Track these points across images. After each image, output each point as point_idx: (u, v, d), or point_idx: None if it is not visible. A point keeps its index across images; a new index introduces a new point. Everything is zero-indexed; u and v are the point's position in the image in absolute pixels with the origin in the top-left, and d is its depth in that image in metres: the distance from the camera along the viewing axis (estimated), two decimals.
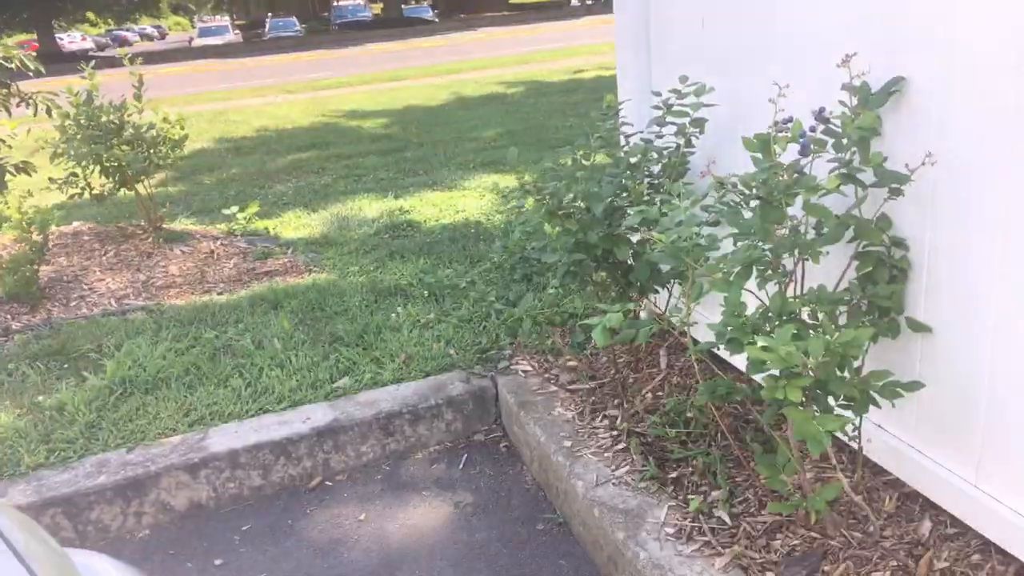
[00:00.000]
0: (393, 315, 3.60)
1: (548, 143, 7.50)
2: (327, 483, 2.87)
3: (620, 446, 2.53)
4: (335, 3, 44.19)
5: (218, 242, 4.88)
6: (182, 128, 4.91)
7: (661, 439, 2.48)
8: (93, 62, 4.78)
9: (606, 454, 2.51)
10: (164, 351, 3.38)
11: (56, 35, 39.72)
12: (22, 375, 3.29)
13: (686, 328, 2.01)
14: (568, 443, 2.59)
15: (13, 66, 5.02)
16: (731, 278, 1.78)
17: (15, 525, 1.41)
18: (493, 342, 3.31)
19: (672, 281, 2.57)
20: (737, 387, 2.01)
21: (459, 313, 3.55)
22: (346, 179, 6.80)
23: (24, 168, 5.08)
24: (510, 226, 3.04)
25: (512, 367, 3.13)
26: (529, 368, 3.11)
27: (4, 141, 5.02)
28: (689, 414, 2.49)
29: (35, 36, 38.54)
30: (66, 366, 3.36)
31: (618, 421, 2.65)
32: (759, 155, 1.92)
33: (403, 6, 40.79)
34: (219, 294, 4.17)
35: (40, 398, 3.07)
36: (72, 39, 47.22)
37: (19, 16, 36.48)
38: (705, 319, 2.67)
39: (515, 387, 3.00)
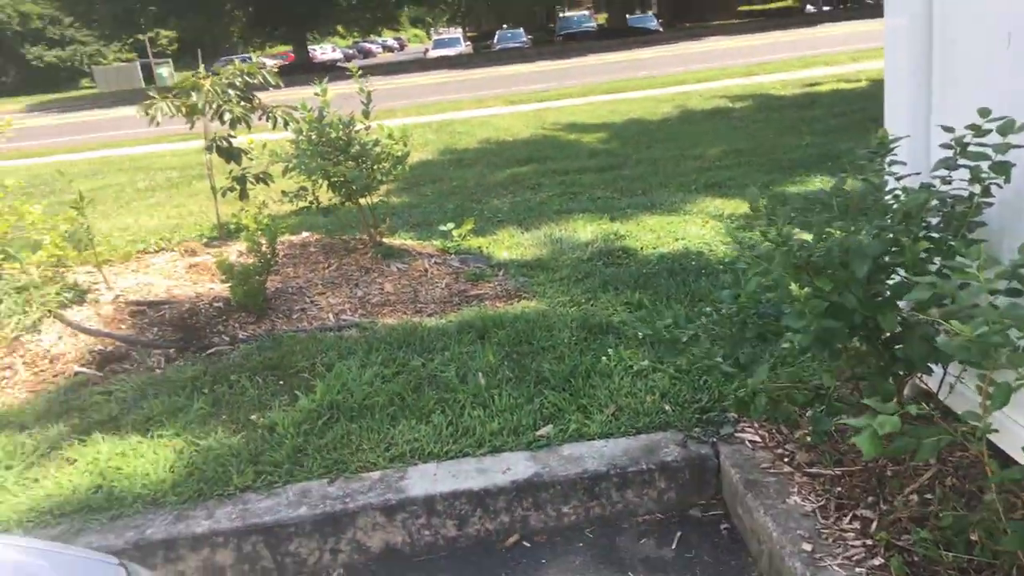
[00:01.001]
0: (604, 358, 3.33)
1: (780, 164, 6.91)
2: (524, 543, 2.65)
3: (876, 561, 2.08)
4: (561, 14, 44.86)
5: (432, 260, 4.87)
6: (405, 145, 4.95)
7: (933, 562, 2.01)
8: (327, 78, 4.94)
9: (858, 569, 2.07)
10: (372, 376, 3.33)
11: (309, 47, 43.65)
12: (242, 388, 3.38)
13: (985, 437, 1.56)
14: (808, 547, 2.18)
15: (257, 80, 5.34)
16: None
17: None
18: (715, 401, 2.94)
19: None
20: None
21: (677, 362, 3.20)
22: (561, 196, 6.64)
23: (263, 179, 5.38)
24: (740, 269, 2.66)
25: (737, 434, 2.75)
26: (758, 439, 2.71)
27: (247, 153, 5.35)
28: (973, 536, 1.99)
29: (291, 48, 42.58)
30: (281, 383, 3.42)
31: (873, 527, 2.19)
32: None
33: (627, 16, 40.55)
34: (429, 316, 4.12)
35: (254, 416, 3.11)
36: (323, 50, 51.74)
37: (279, 29, 40.47)
38: (1008, 418, 2.14)
39: (741, 460, 2.61)
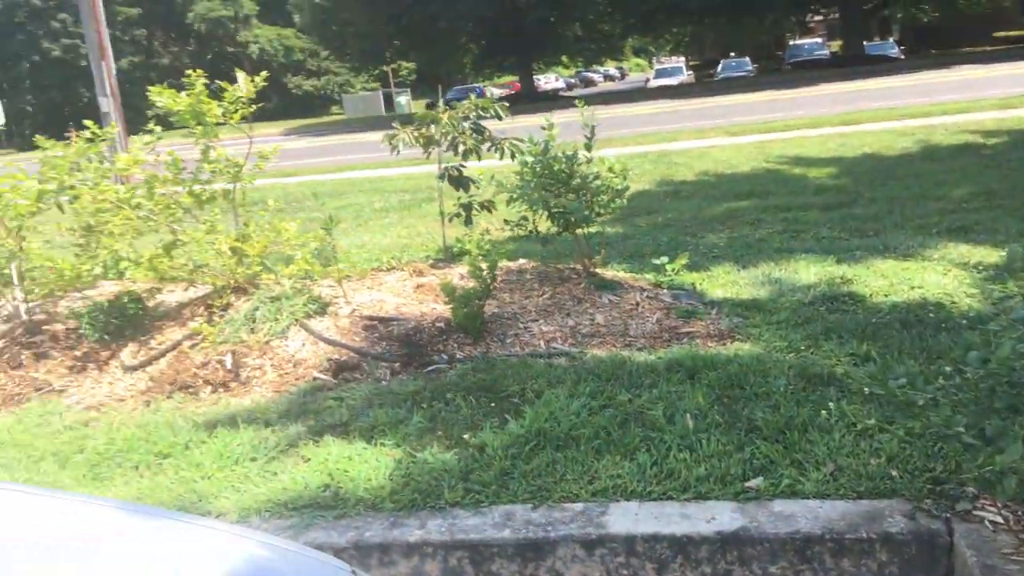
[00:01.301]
0: (823, 411, 3.14)
1: None
2: None
3: None
4: (791, 42, 43.15)
5: (644, 294, 4.85)
6: (624, 179, 4.99)
7: None
8: (553, 122, 5.06)
9: None
10: (579, 407, 3.38)
11: (534, 76, 45.29)
12: (456, 406, 3.56)
13: None
14: None
15: (490, 114, 5.62)
16: None
17: None
18: (951, 472, 2.68)
19: None
20: None
21: (908, 424, 2.96)
22: (783, 234, 6.37)
23: (487, 207, 5.65)
24: (991, 330, 2.41)
25: (976, 512, 2.49)
26: (1000, 520, 2.44)
27: (475, 182, 5.64)
28: None
29: (518, 77, 44.39)
30: (493, 405, 3.56)
31: None
32: None
33: (865, 43, 38.18)
34: (638, 350, 4.11)
35: (467, 435, 3.27)
36: (547, 80, 53.47)
37: (508, 61, 42.38)
38: None
39: (979, 543, 2.36)
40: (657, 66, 49.36)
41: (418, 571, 2.72)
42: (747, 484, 2.79)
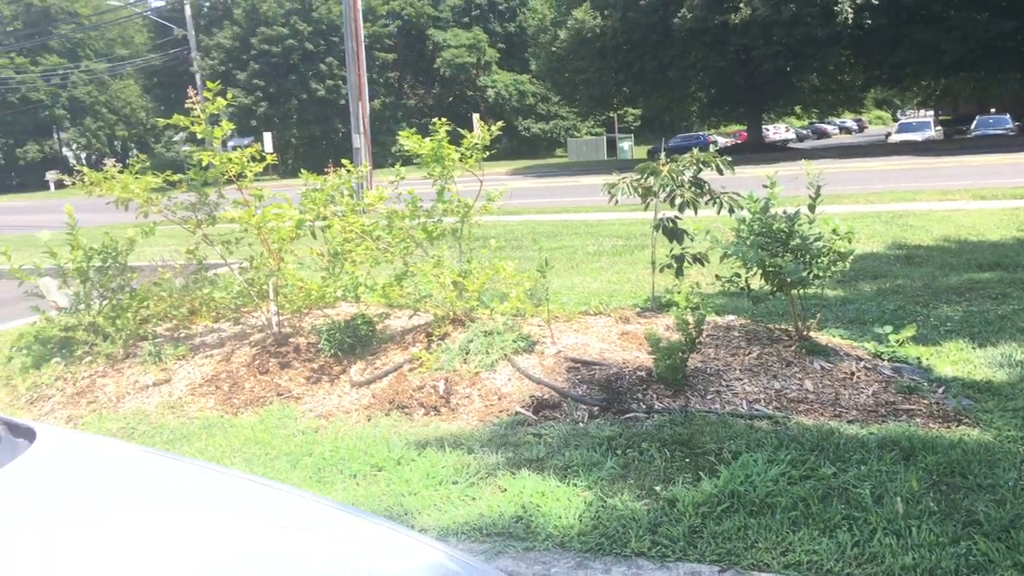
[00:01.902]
0: None
1: None
2: None
3: None
4: None
5: (861, 364, 4.61)
6: (849, 242, 4.79)
7: None
8: (775, 180, 4.99)
9: None
10: (777, 474, 3.29)
11: (764, 126, 44.03)
12: (650, 457, 3.59)
13: None
14: None
15: (711, 167, 5.63)
16: None
17: None
18: None
19: None
20: None
21: None
22: None
23: (700, 260, 5.64)
24: None
25: None
26: None
27: (689, 234, 5.65)
28: None
29: (745, 127, 43.39)
30: (687, 460, 3.55)
31: None
32: None
33: None
34: (848, 422, 3.92)
35: (658, 487, 3.29)
36: (776, 130, 51.76)
37: (736, 109, 41.54)
38: None
39: None
40: (901, 119, 46.19)
41: None
42: None
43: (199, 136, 5.70)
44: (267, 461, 3.98)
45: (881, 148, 31.40)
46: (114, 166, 5.45)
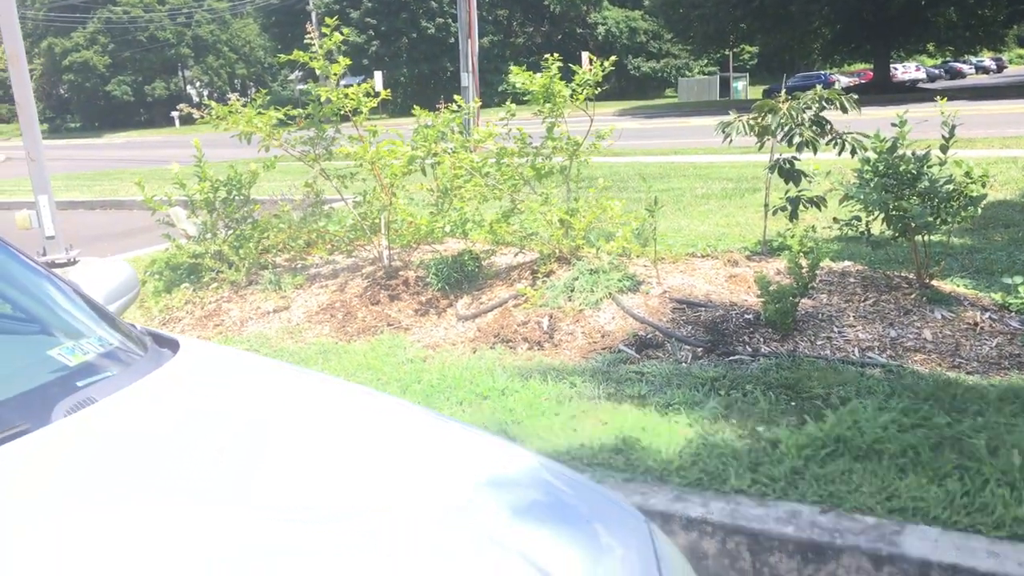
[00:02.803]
0: None
1: None
2: None
3: None
4: None
5: (986, 314, 4.39)
6: (983, 186, 4.52)
7: None
8: (907, 109, 4.75)
9: None
10: (887, 421, 3.22)
11: (891, 65, 41.32)
12: (754, 399, 3.57)
13: None
14: None
15: (834, 106, 5.38)
16: None
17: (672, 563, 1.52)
18: None
19: None
20: None
21: None
22: None
23: (817, 203, 5.45)
24: None
25: None
26: None
27: (807, 176, 5.46)
28: None
29: (871, 65, 40.87)
30: (792, 403, 3.51)
31: None
32: None
33: None
34: (968, 373, 3.76)
35: (761, 428, 3.28)
36: (905, 69, 48.48)
37: (862, 47, 39.13)
38: None
39: None
40: None
41: (696, 546, 2.83)
42: None
43: (317, 72, 5.87)
44: (378, 386, 4.18)
45: (1022, 90, 29.00)
46: (237, 99, 5.70)
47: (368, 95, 5.65)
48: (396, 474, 1.56)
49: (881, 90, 33.64)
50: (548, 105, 5.37)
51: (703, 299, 4.71)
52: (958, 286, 4.97)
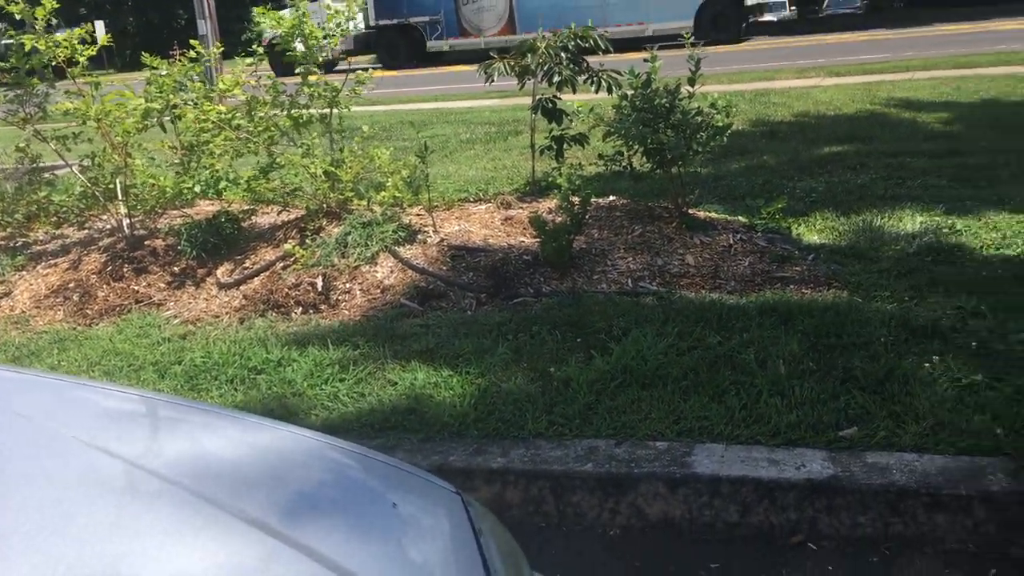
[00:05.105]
0: (926, 364, 3.01)
1: None
2: (810, 545, 2.51)
3: None
4: None
5: (737, 236, 4.71)
6: (727, 116, 4.80)
7: None
8: (657, 45, 4.92)
9: None
10: (666, 347, 3.33)
11: None
12: (542, 339, 3.55)
13: None
14: None
15: (588, 44, 5.46)
16: None
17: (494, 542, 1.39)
18: None
19: None
20: None
21: (1018, 381, 2.81)
22: (887, 181, 6.04)
23: (580, 140, 5.53)
24: None
25: None
26: None
27: (568, 114, 5.52)
28: None
29: None
30: (579, 340, 3.53)
31: None
32: None
33: None
34: (729, 292, 4.01)
35: (552, 368, 3.26)
36: None
37: None
38: None
39: None
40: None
41: (500, 497, 2.76)
42: (840, 433, 2.71)
43: (17, 17, 4.99)
44: (131, 373, 3.68)
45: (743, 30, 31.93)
46: None
47: (84, 42, 4.89)
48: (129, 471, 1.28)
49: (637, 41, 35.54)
50: (301, 49, 4.94)
51: (481, 244, 4.63)
52: (712, 212, 5.30)
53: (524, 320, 3.76)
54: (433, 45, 22.77)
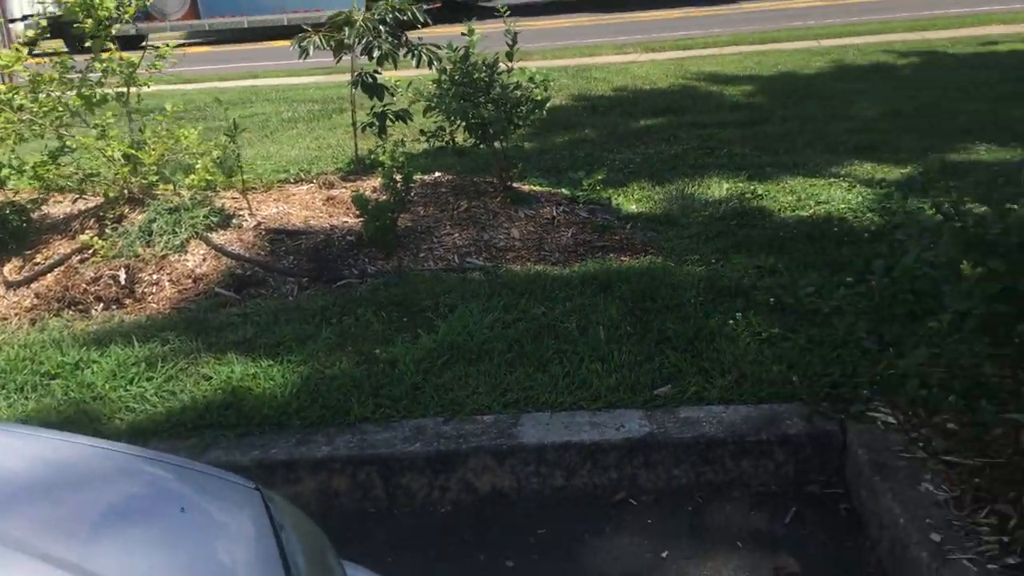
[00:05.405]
0: (731, 321, 3.20)
1: (942, 130, 6.36)
2: (631, 500, 2.61)
3: (1011, 560, 1.92)
4: None
5: (560, 208, 4.81)
6: (546, 89, 4.86)
7: None
8: (474, 17, 4.90)
9: (989, 566, 1.92)
10: (492, 321, 3.34)
11: None
12: (367, 321, 3.47)
13: None
14: (936, 537, 2.04)
15: (407, 17, 5.36)
16: None
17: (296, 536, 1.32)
18: (848, 376, 2.76)
19: None
20: None
21: (810, 332, 3.04)
22: (697, 151, 6.37)
23: (403, 116, 5.44)
24: (898, 240, 2.47)
25: (869, 414, 2.58)
26: (892, 420, 2.54)
27: (390, 90, 5.40)
28: None
29: None
30: (405, 319, 3.48)
31: (1012, 525, 2.02)
32: None
33: None
34: (553, 264, 4.09)
35: (377, 350, 3.19)
36: None
37: None
38: None
39: (870, 441, 2.46)
40: None
41: (326, 487, 2.68)
42: (656, 392, 2.83)
43: None
44: None
45: (564, 6, 32.70)
46: None
47: None
48: None
49: (451, 8, 35.45)
50: (90, 20, 4.51)
51: (302, 226, 4.46)
52: (535, 186, 5.38)
53: (349, 302, 3.66)
54: (122, 28, 21.83)
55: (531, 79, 4.85)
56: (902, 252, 2.24)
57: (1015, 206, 1.92)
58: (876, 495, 2.29)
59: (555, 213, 4.73)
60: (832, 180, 5.19)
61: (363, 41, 5.21)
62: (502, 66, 4.77)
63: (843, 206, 4.63)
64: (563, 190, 5.26)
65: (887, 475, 2.29)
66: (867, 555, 2.29)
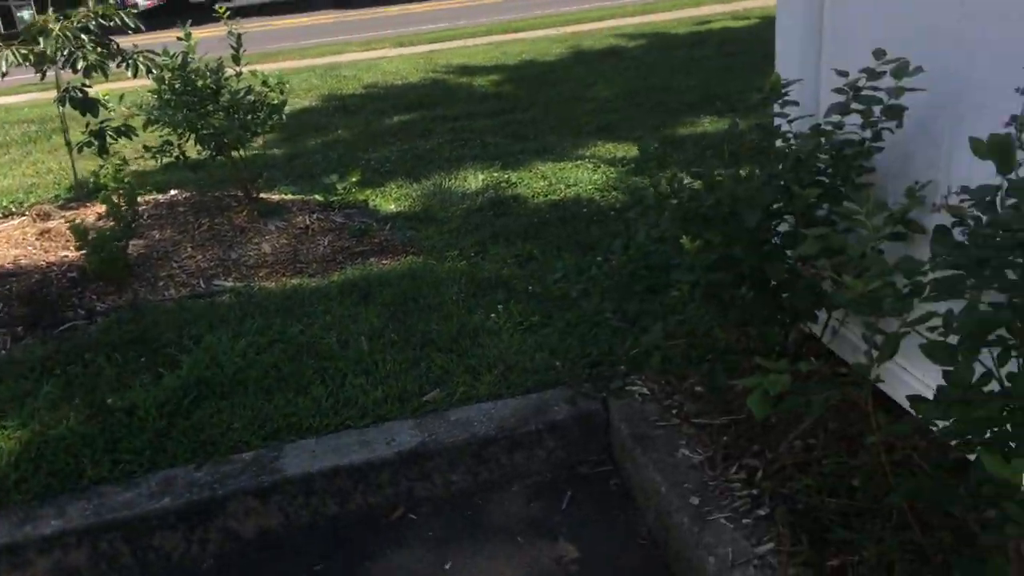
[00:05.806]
0: (493, 314, 3.19)
1: (670, 106, 6.85)
2: (410, 515, 2.52)
3: (762, 512, 2.05)
4: None
5: (314, 216, 4.59)
6: (282, 92, 4.61)
7: (815, 509, 1.98)
8: (190, 21, 4.53)
9: (744, 520, 2.03)
10: (244, 347, 3.09)
11: None
12: (98, 367, 3.08)
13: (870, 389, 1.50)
14: (695, 500, 2.13)
15: (113, 23, 4.85)
16: (960, 351, 1.25)
17: None
18: (605, 354, 2.85)
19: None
20: (945, 488, 1.49)
21: (567, 316, 3.10)
22: (451, 144, 6.39)
23: (125, 132, 4.93)
24: (632, 220, 2.55)
25: (627, 388, 2.67)
26: (647, 391, 2.64)
27: (104, 104, 4.88)
28: (855, 482, 1.97)
29: None
30: (143, 359, 3.13)
31: (759, 476, 2.16)
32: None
33: None
34: (310, 276, 3.88)
35: (111, 399, 2.84)
36: None
37: None
38: (895, 364, 2.11)
39: (630, 414, 2.54)
40: None
41: (61, 566, 2.33)
42: (424, 399, 2.75)
43: None
44: None
45: (305, 4, 31.76)
46: None
47: None
48: None
49: (175, 11, 33.18)
50: None
51: (11, 267, 3.90)
52: (285, 194, 5.11)
53: (75, 348, 3.23)
54: None
55: (264, 83, 4.57)
56: (635, 231, 2.31)
57: (721, 176, 2.03)
58: (639, 467, 2.37)
59: (309, 221, 4.51)
60: (579, 162, 5.39)
61: (66, 52, 4.66)
62: (229, 71, 4.45)
63: (590, 187, 4.81)
64: (317, 196, 5.04)
65: (647, 446, 2.37)
66: (639, 527, 2.36)
